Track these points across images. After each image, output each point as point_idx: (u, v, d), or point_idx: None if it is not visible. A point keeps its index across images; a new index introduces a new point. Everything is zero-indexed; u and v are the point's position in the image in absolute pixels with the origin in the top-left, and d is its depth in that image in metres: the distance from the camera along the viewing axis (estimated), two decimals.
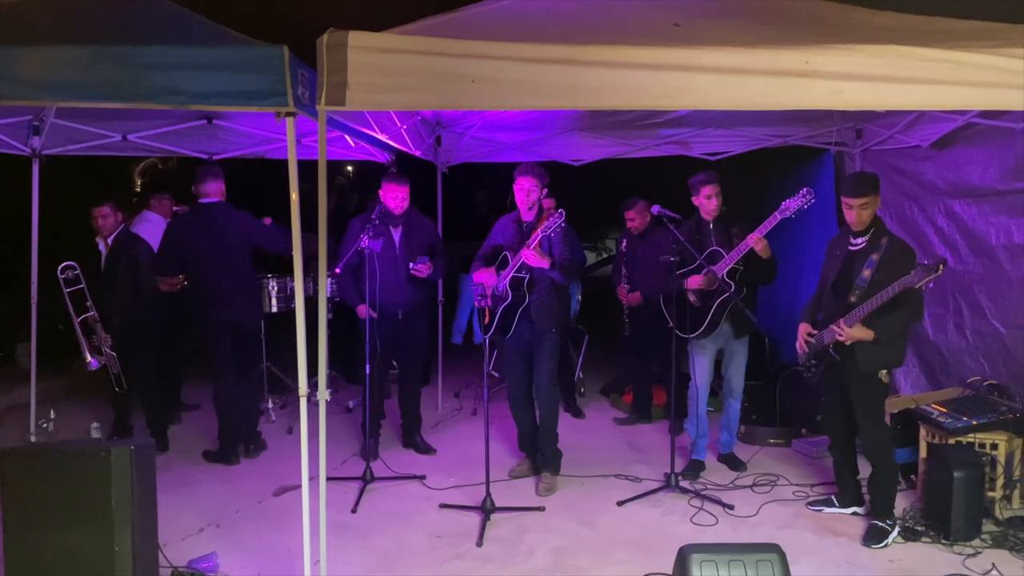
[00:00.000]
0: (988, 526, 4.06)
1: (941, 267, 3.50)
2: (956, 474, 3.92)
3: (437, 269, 5.23)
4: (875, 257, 3.89)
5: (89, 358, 5.27)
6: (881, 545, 3.93)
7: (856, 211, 3.94)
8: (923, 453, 4.52)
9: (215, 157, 6.44)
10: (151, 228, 6.01)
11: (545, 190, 4.64)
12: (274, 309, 6.21)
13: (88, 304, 5.35)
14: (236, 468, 5.16)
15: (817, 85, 3.03)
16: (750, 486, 4.78)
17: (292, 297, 6.04)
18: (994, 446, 4.29)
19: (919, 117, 5.21)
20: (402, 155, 5.96)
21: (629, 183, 7.35)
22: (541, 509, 4.45)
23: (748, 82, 3.03)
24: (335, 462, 5.20)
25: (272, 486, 4.79)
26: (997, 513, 4.20)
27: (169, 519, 3.87)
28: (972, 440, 4.28)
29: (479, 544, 4.00)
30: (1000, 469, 4.27)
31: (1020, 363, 4.60)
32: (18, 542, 3.13)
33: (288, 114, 3.01)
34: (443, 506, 4.50)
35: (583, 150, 6.71)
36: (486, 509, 4.26)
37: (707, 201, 4.79)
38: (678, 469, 4.74)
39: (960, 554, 3.81)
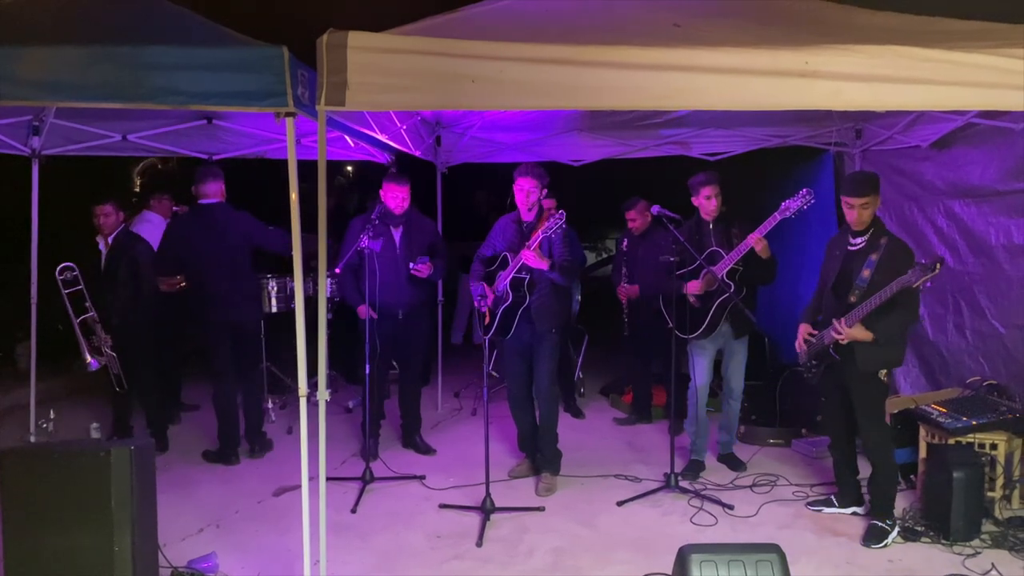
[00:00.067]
0: (988, 526, 4.06)
1: (938, 266, 3.51)
2: (956, 474, 3.92)
3: (437, 269, 5.23)
4: (874, 257, 3.89)
5: (89, 359, 5.26)
6: (881, 545, 3.93)
7: (857, 210, 3.95)
8: (923, 453, 4.53)
9: (215, 157, 6.44)
10: (151, 228, 6.01)
11: (545, 191, 4.64)
12: (274, 309, 6.21)
13: (87, 305, 5.35)
14: (236, 468, 5.16)
15: (817, 85, 3.04)
16: (750, 486, 4.78)
17: (292, 297, 6.04)
18: (994, 446, 4.29)
19: (919, 117, 5.21)
20: (402, 155, 5.96)
21: (629, 183, 7.35)
22: (541, 509, 4.45)
23: (748, 82, 3.04)
24: (335, 462, 5.20)
25: (272, 486, 4.79)
26: (997, 513, 4.20)
27: (169, 519, 3.87)
28: (972, 440, 4.29)
29: (479, 544, 4.00)
30: (1000, 469, 4.27)
31: (1020, 363, 4.61)
32: (18, 542, 3.13)
33: (288, 114, 3.01)
34: (443, 506, 4.50)
35: (583, 150, 6.71)
36: (486, 509, 4.26)
37: (707, 202, 4.79)
38: (678, 469, 4.74)
39: (960, 554, 3.81)
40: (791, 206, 4.42)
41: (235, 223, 5.16)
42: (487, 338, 4.54)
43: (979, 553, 3.81)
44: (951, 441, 4.29)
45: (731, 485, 4.80)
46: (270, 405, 6.33)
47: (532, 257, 4.39)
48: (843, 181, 4.32)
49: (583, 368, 7.16)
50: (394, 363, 5.79)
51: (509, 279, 4.57)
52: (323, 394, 3.19)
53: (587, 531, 4.20)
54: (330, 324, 5.23)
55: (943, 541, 3.93)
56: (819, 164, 6.76)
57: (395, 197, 5.07)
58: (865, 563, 3.80)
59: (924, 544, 3.95)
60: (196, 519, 4.30)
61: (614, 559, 3.85)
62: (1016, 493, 4.32)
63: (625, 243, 6.27)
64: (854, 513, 4.30)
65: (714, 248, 4.71)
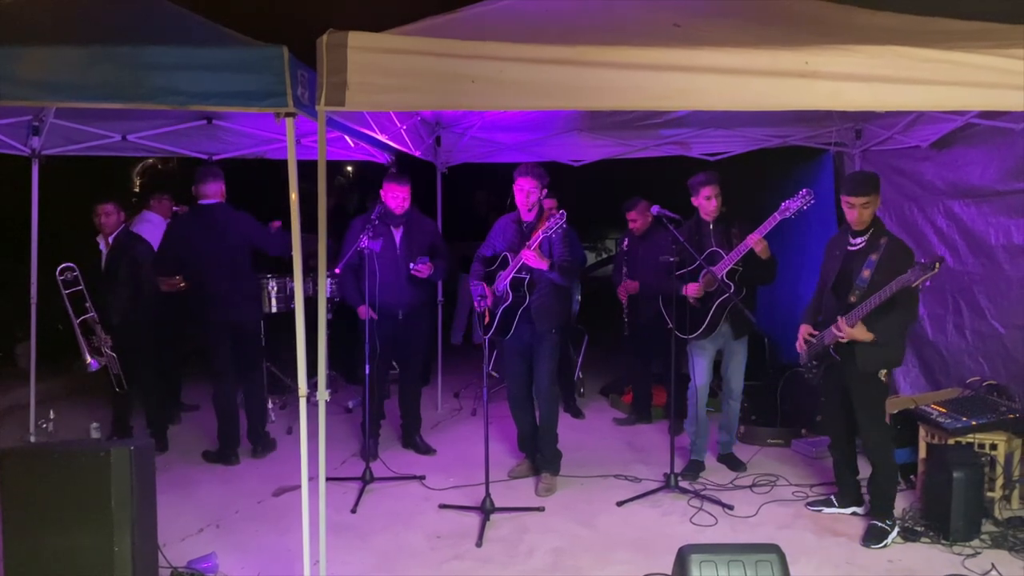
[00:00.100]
0: (987, 526, 4.06)
1: (938, 265, 3.50)
2: (955, 474, 3.92)
3: (438, 270, 5.22)
4: (874, 257, 3.89)
5: (89, 359, 5.26)
6: (880, 545, 3.93)
7: (858, 210, 3.94)
8: (922, 453, 4.53)
9: (215, 157, 6.44)
10: (151, 228, 6.02)
11: (545, 191, 4.63)
12: (274, 309, 6.21)
13: (87, 305, 5.35)
14: (236, 468, 5.16)
15: (817, 86, 3.04)
16: (749, 486, 4.78)
17: (292, 297, 6.04)
18: (993, 446, 4.29)
19: (918, 117, 5.21)
20: (402, 155, 5.96)
21: (629, 183, 7.35)
22: (541, 509, 4.45)
23: (748, 83, 3.04)
24: (335, 462, 5.20)
25: (272, 486, 4.79)
26: (996, 513, 4.20)
27: (169, 519, 3.87)
28: (971, 440, 4.29)
29: (479, 544, 4.00)
30: (999, 469, 4.28)
31: (1019, 363, 4.61)
32: (18, 542, 3.13)
33: (288, 114, 3.02)
34: (443, 506, 4.50)
35: (583, 150, 6.71)
36: (486, 509, 4.26)
37: (706, 202, 4.79)
38: (677, 469, 4.74)
39: (959, 554, 3.81)
40: (791, 206, 4.42)
41: (235, 223, 5.16)
42: (487, 338, 4.54)
43: (979, 553, 3.81)
44: (951, 441, 4.30)
45: (731, 485, 4.80)
46: (270, 405, 6.32)
47: (532, 257, 4.39)
48: (844, 180, 4.32)
49: (583, 368, 7.16)
50: (394, 363, 5.78)
51: (509, 279, 4.57)
52: (323, 394, 3.19)
53: (587, 531, 4.20)
54: (330, 324, 5.23)
55: (943, 541, 3.93)
56: (819, 164, 6.76)
57: (396, 197, 5.06)
58: (865, 563, 3.80)
59: (924, 544, 3.95)
60: (196, 519, 4.30)
61: (614, 559, 3.85)
62: (1016, 493, 4.32)
63: (626, 243, 6.27)
64: (854, 513, 4.30)
65: (714, 248, 4.70)
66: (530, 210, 4.62)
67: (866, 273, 3.89)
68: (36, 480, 3.15)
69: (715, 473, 5.00)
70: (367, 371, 4.90)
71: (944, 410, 4.41)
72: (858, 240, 4.02)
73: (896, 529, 3.99)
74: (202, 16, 3.53)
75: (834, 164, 6.54)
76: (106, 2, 3.55)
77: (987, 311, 4.87)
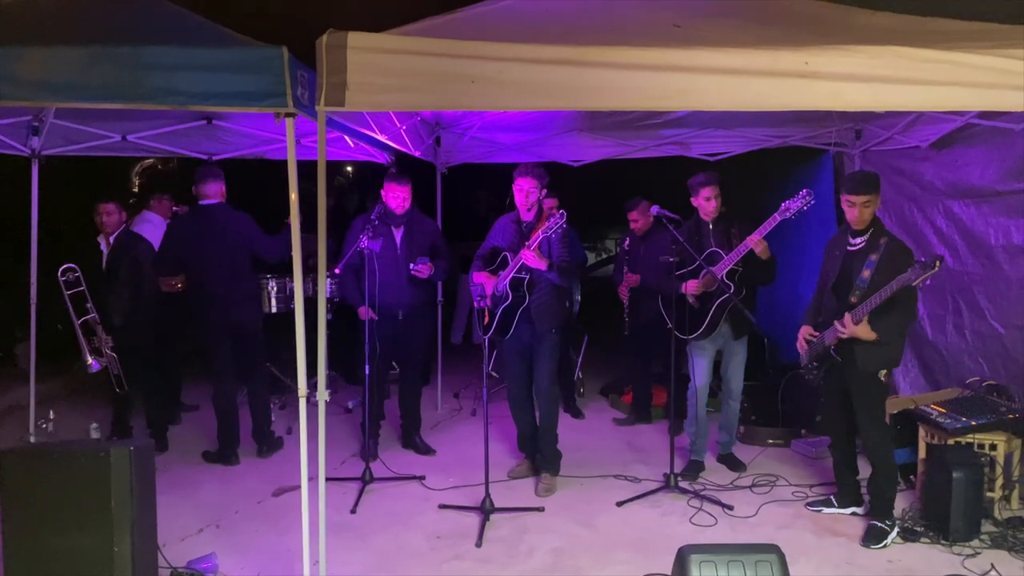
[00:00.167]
0: (987, 527, 4.06)
1: (938, 264, 3.50)
2: (955, 475, 3.92)
3: (439, 270, 5.22)
4: (874, 257, 3.89)
5: (90, 360, 5.26)
6: (880, 545, 3.93)
7: (858, 209, 3.94)
8: (922, 454, 4.53)
9: (215, 158, 6.44)
10: (152, 228, 6.02)
11: (544, 191, 4.63)
12: (273, 310, 6.21)
13: (88, 306, 5.34)
14: (235, 468, 5.16)
15: (816, 86, 3.04)
16: (749, 487, 4.78)
17: (291, 297, 6.04)
18: (993, 447, 4.29)
19: (918, 118, 5.22)
20: (401, 156, 5.96)
21: (629, 183, 7.36)
22: (540, 510, 4.45)
23: (748, 83, 3.04)
24: (334, 463, 5.20)
25: (271, 486, 4.79)
26: (996, 514, 4.20)
27: (168, 520, 3.87)
28: (971, 441, 4.29)
29: (478, 545, 4.00)
30: (999, 470, 4.28)
31: (1019, 364, 4.61)
32: (17, 542, 3.13)
33: (287, 115, 3.02)
34: (442, 507, 4.50)
35: (583, 151, 6.71)
36: (485, 510, 4.26)
37: (706, 203, 4.79)
38: (677, 470, 4.74)
39: (959, 555, 3.81)
40: (791, 207, 4.41)
41: (235, 224, 5.16)
42: (487, 338, 4.53)
43: (978, 553, 3.81)
44: (950, 441, 4.30)
45: (731, 485, 4.80)
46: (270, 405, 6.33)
47: (531, 257, 4.39)
48: (844, 179, 4.33)
49: (583, 368, 7.16)
50: (394, 363, 5.78)
51: (509, 279, 4.57)
52: (322, 394, 3.20)
53: (587, 531, 4.20)
54: (330, 324, 5.23)
55: (942, 541, 3.93)
56: (819, 164, 6.77)
57: (396, 197, 5.06)
58: (864, 563, 3.80)
59: (923, 544, 3.95)
60: (196, 519, 4.30)
61: (614, 559, 3.86)
62: (1015, 493, 4.32)
63: (627, 242, 6.27)
64: (853, 513, 4.31)
65: (713, 248, 4.70)
66: (529, 210, 4.62)
67: (866, 273, 3.89)
68: (36, 480, 3.15)
69: (715, 473, 5.00)
70: (367, 371, 4.90)
71: (944, 410, 4.41)
72: (858, 240, 4.02)
73: (896, 529, 3.99)
74: (202, 16, 3.53)
75: (834, 164, 6.55)
76: (106, 2, 3.55)
77: (987, 311, 4.88)
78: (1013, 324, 4.67)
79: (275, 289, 6.22)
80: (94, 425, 5.63)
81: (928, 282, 3.60)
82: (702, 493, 4.63)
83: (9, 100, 3.08)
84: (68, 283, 5.33)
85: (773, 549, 2.86)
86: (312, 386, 3.21)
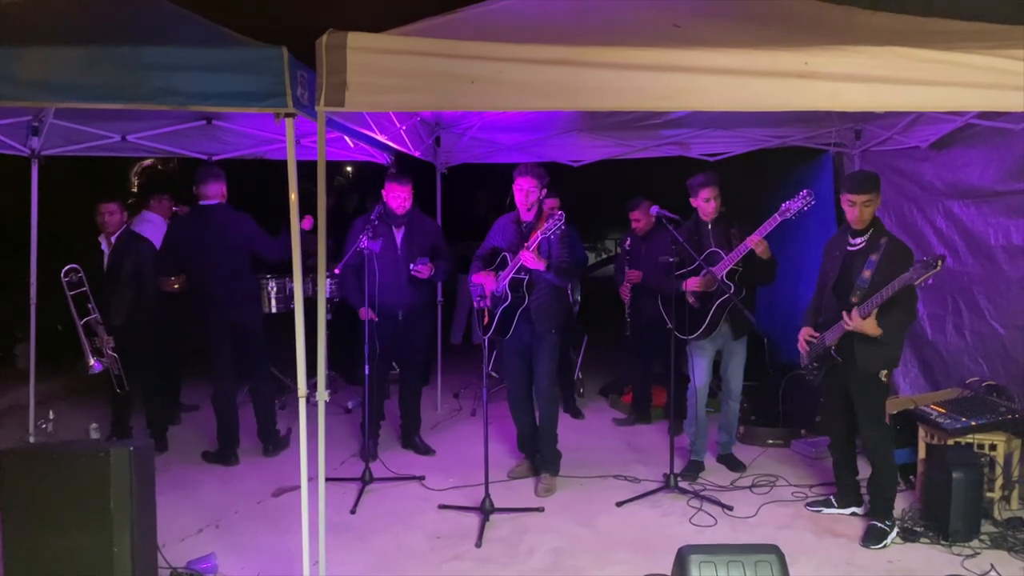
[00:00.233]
0: (987, 527, 4.06)
1: (940, 263, 3.50)
2: (955, 475, 3.92)
3: (439, 270, 5.21)
4: (875, 257, 3.88)
5: (92, 361, 5.25)
6: (880, 546, 3.93)
7: (859, 208, 3.94)
8: (922, 454, 4.53)
9: (214, 158, 6.44)
10: (152, 228, 6.02)
11: (544, 191, 4.63)
12: (273, 310, 6.20)
13: (90, 307, 5.34)
14: (235, 469, 5.16)
15: (816, 86, 3.04)
16: (749, 487, 4.78)
17: (291, 298, 6.04)
18: (993, 447, 4.29)
19: (918, 118, 5.21)
20: (401, 156, 5.96)
21: (629, 183, 7.35)
22: (540, 510, 4.45)
23: (747, 83, 3.04)
24: (334, 463, 5.20)
25: (271, 487, 4.79)
26: (996, 514, 4.20)
27: (168, 520, 3.87)
28: (971, 441, 4.29)
29: (478, 545, 4.00)
30: (999, 470, 4.28)
31: (1019, 364, 4.61)
32: (17, 543, 3.13)
33: (287, 115, 3.02)
34: (442, 507, 4.50)
35: (582, 151, 6.71)
36: (485, 510, 4.26)
37: (705, 204, 4.78)
38: (677, 470, 4.74)
39: (959, 555, 3.81)
40: (791, 207, 4.41)
41: (235, 224, 5.16)
42: (486, 338, 4.53)
43: (978, 554, 3.82)
44: (950, 442, 4.30)
45: (730, 486, 4.80)
46: None
47: (530, 258, 4.39)
48: (845, 179, 4.32)
49: (582, 368, 7.16)
50: (394, 364, 5.78)
51: (508, 279, 4.57)
52: (322, 395, 3.20)
53: (586, 531, 4.20)
54: (330, 325, 5.23)
55: (942, 542, 3.93)
56: (819, 164, 6.76)
57: (397, 197, 5.06)
58: (864, 564, 3.80)
59: (923, 545, 3.95)
60: (195, 519, 4.30)
61: (613, 559, 3.86)
62: (1015, 494, 4.32)
63: (628, 242, 6.27)
64: (853, 514, 4.31)
65: (713, 249, 4.70)
66: (529, 209, 4.62)
67: (867, 273, 3.88)
68: (35, 480, 3.15)
69: (715, 473, 5.00)
70: (367, 372, 4.90)
71: (943, 410, 4.41)
72: (858, 240, 4.02)
73: (895, 529, 4.00)
74: (202, 16, 3.53)
75: (834, 165, 6.54)
76: (106, 2, 3.55)
77: (986, 312, 4.88)
78: (1013, 324, 4.67)
79: (275, 289, 6.22)
80: (94, 425, 5.63)
81: (930, 281, 3.60)
82: (702, 493, 4.63)
83: (9, 100, 3.08)
84: (71, 284, 5.32)
85: (773, 549, 2.86)
86: (312, 386, 3.21)
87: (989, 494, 4.23)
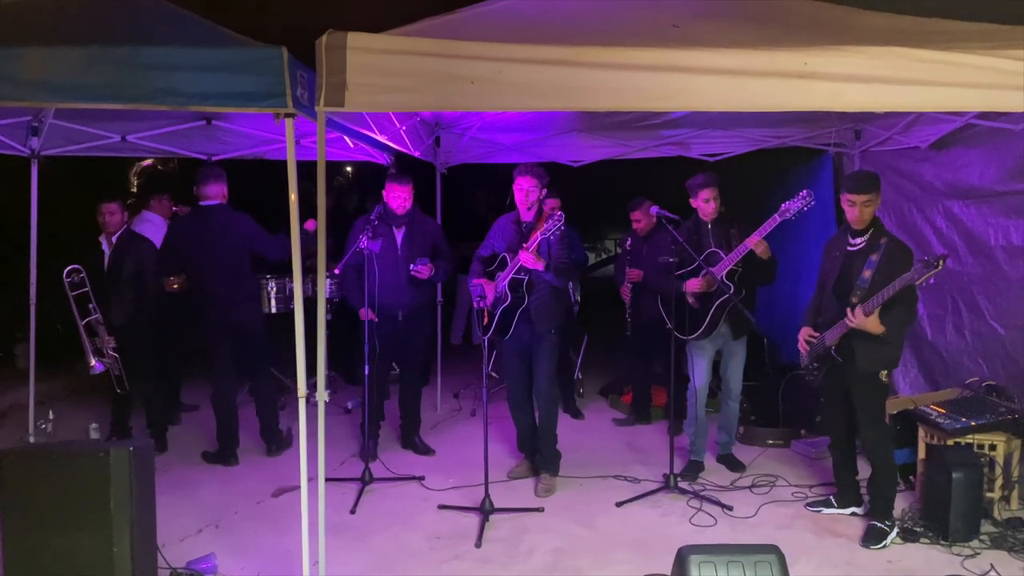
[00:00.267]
0: (987, 527, 4.06)
1: (942, 263, 3.50)
2: (955, 475, 3.92)
3: (440, 271, 5.21)
4: (875, 257, 3.88)
5: (93, 362, 5.24)
6: (880, 546, 3.93)
7: (859, 208, 3.94)
8: (922, 454, 4.53)
9: (214, 158, 6.44)
10: (152, 228, 6.03)
11: (544, 190, 4.63)
12: (273, 310, 6.20)
13: (92, 307, 5.34)
14: (235, 469, 5.16)
15: (815, 86, 3.04)
16: (749, 487, 4.78)
17: (291, 298, 6.03)
18: (992, 447, 4.29)
19: (918, 118, 5.22)
20: (401, 156, 5.96)
21: (629, 184, 7.35)
22: (540, 510, 4.45)
23: (746, 83, 3.04)
24: (334, 463, 5.20)
25: (271, 487, 4.79)
26: (996, 514, 4.20)
27: (168, 520, 3.87)
28: (971, 441, 4.29)
29: (478, 545, 4.00)
30: (999, 470, 4.28)
31: (1018, 364, 4.61)
32: (17, 543, 3.13)
33: (287, 115, 3.01)
34: (442, 507, 4.50)
35: (582, 151, 6.71)
36: (485, 510, 4.26)
37: (705, 204, 4.78)
38: (677, 470, 4.74)
39: (959, 555, 3.81)
40: (791, 208, 4.41)
41: (235, 225, 5.16)
42: (486, 338, 4.54)
43: (978, 554, 3.82)
44: (950, 442, 4.29)
45: (730, 486, 4.80)
46: None
47: (529, 259, 4.39)
48: (845, 178, 4.32)
49: (582, 369, 7.16)
50: (394, 364, 5.78)
51: (508, 280, 4.57)
52: (322, 395, 3.20)
53: (586, 532, 4.20)
54: (329, 325, 5.22)
55: (942, 542, 3.93)
56: (818, 165, 6.77)
57: (397, 197, 5.06)
58: (864, 564, 3.80)
59: (923, 545, 3.95)
60: (195, 520, 4.30)
61: (613, 559, 3.85)
62: (1015, 494, 4.32)
63: (629, 242, 6.27)
64: (853, 514, 4.31)
65: (713, 249, 4.70)
66: (529, 209, 4.62)
67: (867, 273, 3.88)
68: (35, 481, 3.15)
69: (714, 474, 5.00)
70: (367, 372, 4.89)
71: (943, 411, 4.41)
72: (858, 240, 4.02)
73: (895, 530, 3.99)
74: (201, 16, 3.53)
75: (833, 165, 6.55)
76: (106, 2, 3.55)
77: (986, 312, 4.88)
78: (1013, 324, 4.67)
79: (274, 289, 6.22)
80: (94, 425, 5.64)
81: (932, 280, 3.60)
82: (702, 493, 4.63)
83: (8, 100, 3.08)
84: (73, 284, 5.32)
85: (773, 549, 2.86)
86: (312, 386, 3.20)
87: (989, 494, 4.23)
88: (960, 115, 4.75)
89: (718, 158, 6.55)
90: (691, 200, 4.85)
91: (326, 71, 2.97)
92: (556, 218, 4.34)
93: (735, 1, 3.98)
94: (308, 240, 3.31)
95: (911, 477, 4.64)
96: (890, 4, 3.84)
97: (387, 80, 3.01)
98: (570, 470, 4.98)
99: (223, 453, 5.22)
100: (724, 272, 4.60)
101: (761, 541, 3.53)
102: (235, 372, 5.29)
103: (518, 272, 4.52)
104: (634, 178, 7.76)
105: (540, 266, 4.43)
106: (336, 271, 5.15)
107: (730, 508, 4.43)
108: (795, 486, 4.78)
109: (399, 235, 5.16)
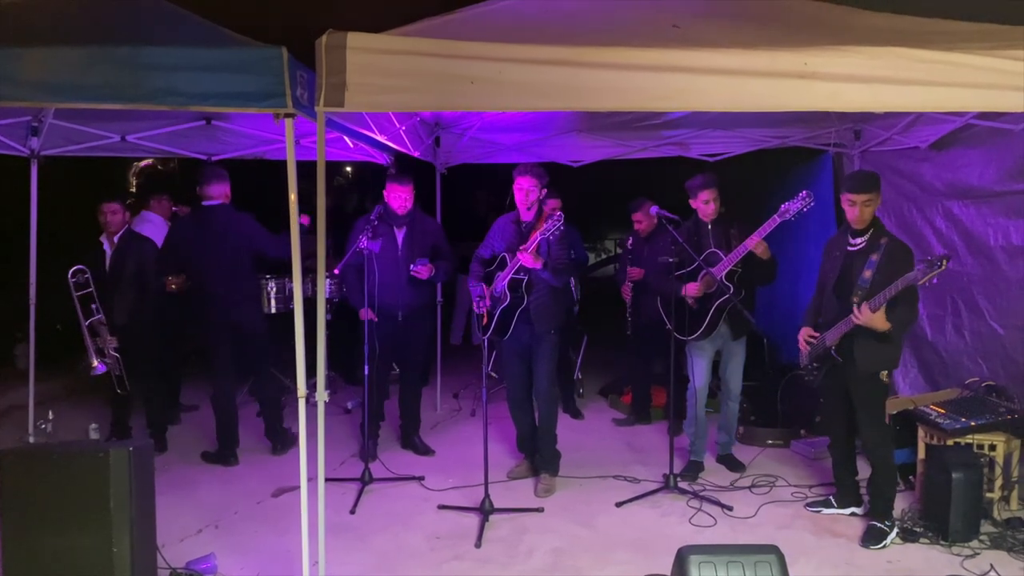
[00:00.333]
0: (986, 527, 4.06)
1: (944, 263, 3.50)
2: (954, 475, 3.92)
3: (440, 271, 5.21)
4: (875, 258, 3.88)
5: (95, 363, 5.24)
6: (879, 546, 3.93)
7: (859, 208, 3.93)
8: (921, 454, 4.53)
9: (214, 158, 6.44)
10: (153, 228, 6.03)
11: (544, 190, 4.63)
12: (272, 310, 6.20)
13: (94, 307, 5.33)
14: (235, 469, 5.16)
15: (816, 87, 3.04)
16: (749, 487, 4.78)
17: (291, 298, 6.03)
18: (992, 447, 4.29)
19: (918, 118, 5.22)
20: (401, 156, 5.96)
21: (629, 184, 7.36)
22: (540, 510, 4.45)
23: (747, 83, 3.04)
24: (334, 463, 5.20)
25: (271, 487, 4.79)
26: (995, 514, 4.20)
27: (168, 520, 3.86)
28: (970, 441, 4.29)
29: (478, 545, 4.00)
30: (998, 470, 4.28)
31: (1018, 364, 4.61)
32: (16, 543, 3.13)
33: (287, 115, 3.01)
34: (442, 507, 4.50)
35: (582, 151, 6.71)
36: (485, 510, 4.26)
37: (705, 205, 4.78)
38: (677, 470, 4.74)
39: (958, 555, 3.81)
40: (791, 208, 4.41)
41: (236, 225, 5.16)
42: (486, 339, 4.53)
43: (978, 554, 3.82)
44: (950, 442, 4.30)
45: (730, 486, 4.80)
46: None
47: (529, 259, 4.39)
48: (845, 178, 4.32)
49: (582, 369, 7.16)
50: (394, 364, 5.78)
51: (507, 280, 4.57)
52: (322, 395, 3.19)
53: (586, 532, 4.20)
54: (329, 325, 5.22)
55: (942, 542, 3.93)
56: (818, 165, 6.77)
57: (398, 197, 5.06)
58: (864, 564, 3.80)
59: (923, 545, 3.95)
60: (195, 520, 4.30)
61: (613, 560, 3.85)
62: (1015, 494, 4.32)
63: (630, 242, 6.26)
64: (853, 514, 4.31)
65: (713, 249, 4.70)
66: (529, 209, 4.62)
67: (867, 273, 3.88)
68: (35, 481, 3.14)
69: (714, 474, 5.00)
70: (366, 372, 4.89)
71: (943, 411, 4.41)
72: (858, 240, 4.02)
73: (895, 530, 4.00)
74: (201, 16, 3.53)
75: (833, 165, 6.54)
76: (106, 2, 3.55)
77: (986, 312, 4.88)
78: (1012, 324, 4.67)
79: (274, 290, 6.21)
80: (93, 426, 5.64)
81: (935, 280, 3.60)
82: (701, 494, 4.63)
83: (8, 100, 3.08)
84: (77, 284, 5.31)
85: (772, 550, 2.86)
86: (311, 387, 3.20)
87: (989, 494, 4.23)
88: (960, 115, 4.75)
89: (718, 158, 6.55)
90: (691, 201, 4.85)
91: (326, 71, 2.97)
92: (556, 218, 4.34)
93: (735, 1, 3.98)
94: (308, 240, 3.30)
95: (911, 477, 4.64)
96: (890, 4, 3.84)
97: (387, 80, 3.01)
98: (570, 470, 4.98)
99: (223, 453, 5.22)
100: (724, 273, 4.60)
101: (761, 541, 3.53)
102: (235, 372, 5.29)
103: (517, 272, 4.52)
104: (634, 178, 7.77)
105: (539, 265, 4.43)
106: (336, 271, 5.14)
107: (730, 508, 4.43)
108: (795, 486, 4.78)
109: (400, 235, 5.16)
